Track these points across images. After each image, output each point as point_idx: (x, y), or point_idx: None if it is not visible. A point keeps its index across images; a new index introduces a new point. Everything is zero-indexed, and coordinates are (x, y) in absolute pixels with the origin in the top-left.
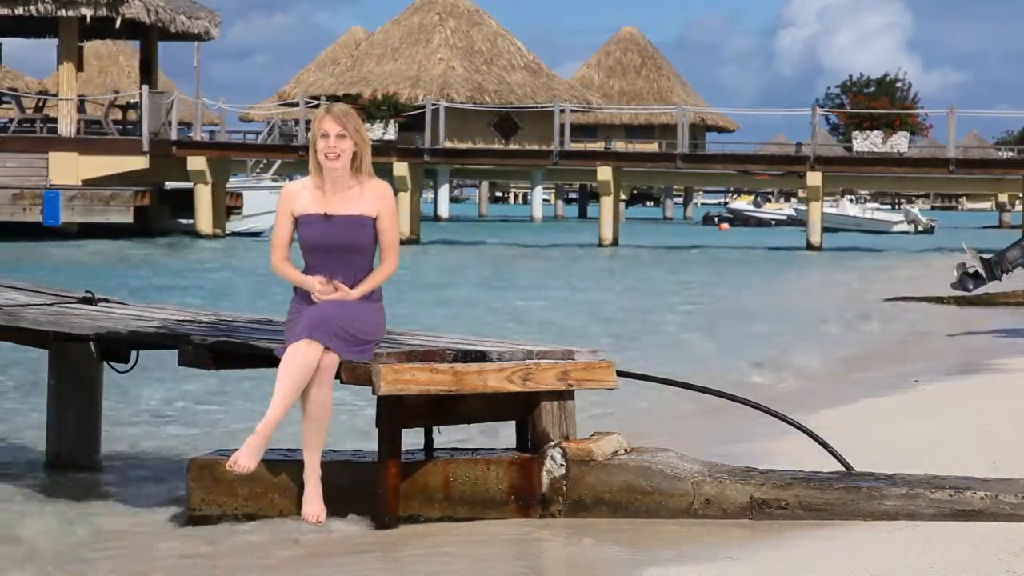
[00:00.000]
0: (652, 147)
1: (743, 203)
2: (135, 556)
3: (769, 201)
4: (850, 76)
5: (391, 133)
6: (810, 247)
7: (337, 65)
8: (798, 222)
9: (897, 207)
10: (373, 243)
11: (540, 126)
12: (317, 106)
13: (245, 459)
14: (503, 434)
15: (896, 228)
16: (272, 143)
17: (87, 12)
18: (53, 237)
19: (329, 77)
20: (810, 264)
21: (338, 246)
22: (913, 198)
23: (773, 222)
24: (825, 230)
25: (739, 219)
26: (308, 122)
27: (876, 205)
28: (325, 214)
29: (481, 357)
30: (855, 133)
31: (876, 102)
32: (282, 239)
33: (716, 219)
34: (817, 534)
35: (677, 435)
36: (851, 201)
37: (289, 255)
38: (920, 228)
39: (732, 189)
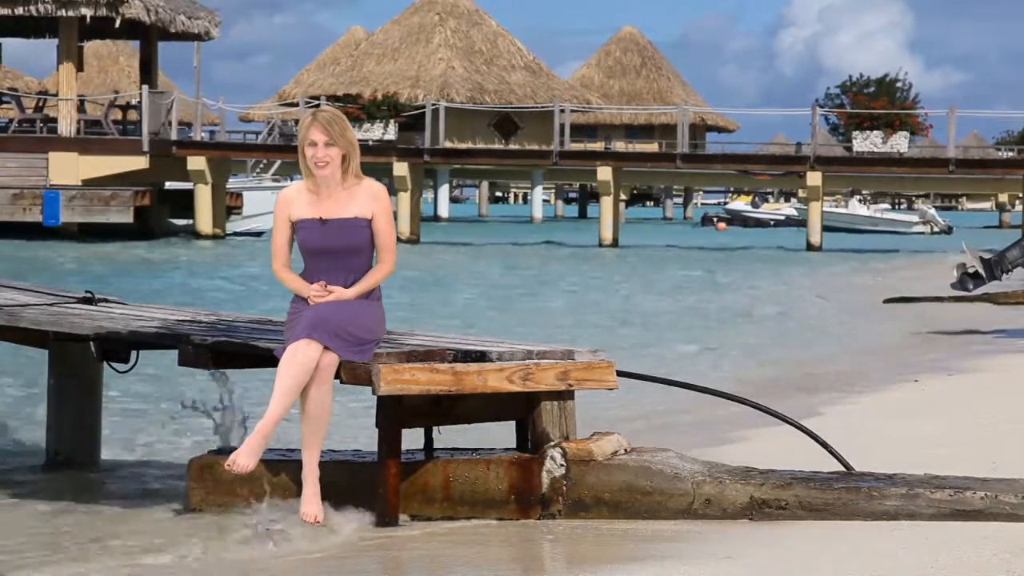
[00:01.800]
0: (652, 147)
1: (741, 203)
2: (135, 556)
3: (767, 201)
4: (850, 76)
5: (391, 133)
6: (810, 247)
7: (337, 65)
8: (797, 222)
9: (897, 207)
10: (370, 244)
11: (540, 126)
12: (317, 106)
13: (244, 459)
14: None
15: (914, 229)
16: (272, 143)
17: (87, 12)
18: (53, 237)
19: (329, 77)
20: (810, 264)
21: (336, 249)
22: (914, 198)
23: (772, 222)
24: (838, 231)
25: (737, 219)
26: None
27: (886, 205)
28: (321, 218)
29: (481, 357)
30: (855, 133)
31: (876, 102)
32: (281, 245)
33: (714, 219)
34: (817, 534)
35: (677, 435)
36: (859, 201)
37: (289, 260)
38: (936, 229)
39: (732, 189)
